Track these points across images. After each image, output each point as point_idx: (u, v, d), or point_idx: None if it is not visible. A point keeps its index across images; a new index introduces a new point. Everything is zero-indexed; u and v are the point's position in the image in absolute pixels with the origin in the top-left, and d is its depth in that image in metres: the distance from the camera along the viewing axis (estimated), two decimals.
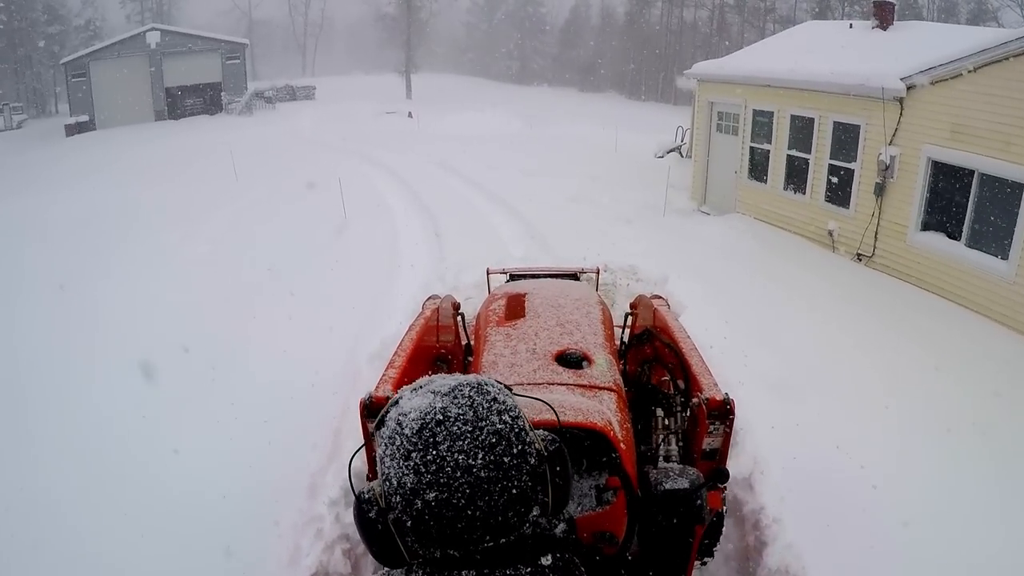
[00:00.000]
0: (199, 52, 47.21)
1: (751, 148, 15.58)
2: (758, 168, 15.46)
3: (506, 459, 1.37)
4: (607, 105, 55.86)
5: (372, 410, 3.44)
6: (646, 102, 62.69)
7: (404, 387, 1.49)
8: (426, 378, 1.50)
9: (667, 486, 2.76)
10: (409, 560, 1.45)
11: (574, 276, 6.11)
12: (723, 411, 3.45)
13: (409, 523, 1.37)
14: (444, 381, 1.46)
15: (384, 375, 3.75)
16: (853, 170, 12.97)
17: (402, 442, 1.37)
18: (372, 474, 3.67)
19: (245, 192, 19.50)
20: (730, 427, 3.49)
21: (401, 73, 63.03)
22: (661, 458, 3.54)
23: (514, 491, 1.37)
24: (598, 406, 3.10)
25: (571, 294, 4.67)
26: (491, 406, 1.41)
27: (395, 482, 1.37)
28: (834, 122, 13.28)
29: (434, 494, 1.33)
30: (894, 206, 12.17)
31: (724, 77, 16.01)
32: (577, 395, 3.29)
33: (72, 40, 64.33)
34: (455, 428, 1.36)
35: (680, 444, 3.71)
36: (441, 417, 1.37)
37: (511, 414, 1.43)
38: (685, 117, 43.53)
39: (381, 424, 1.46)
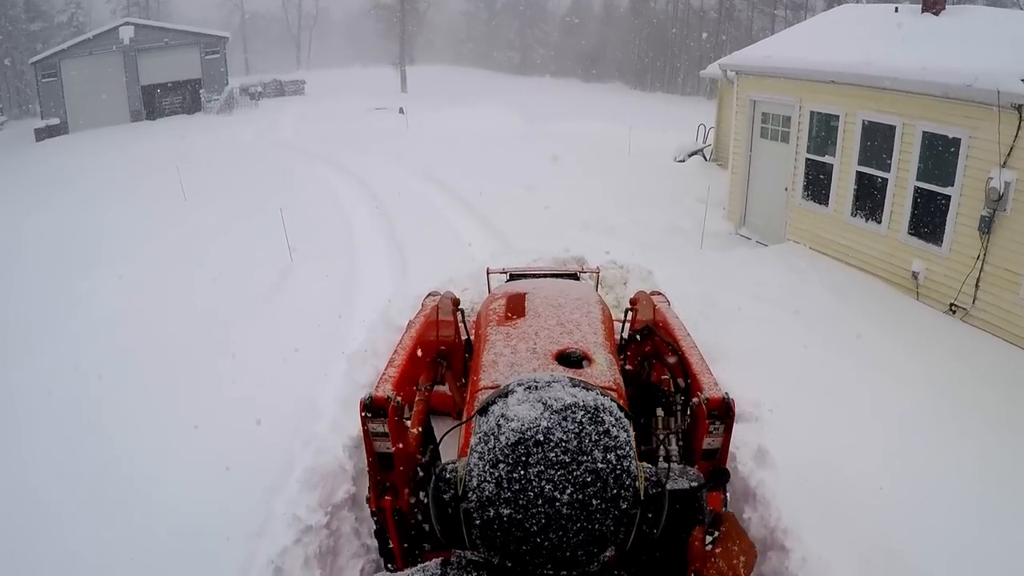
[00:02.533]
0: (176, 47, 44.22)
1: (808, 160, 12.47)
2: (817, 186, 12.37)
3: (595, 501, 1.28)
4: (613, 97, 53.03)
5: (372, 409, 3.36)
6: (653, 93, 59.71)
7: (522, 376, 1.41)
8: (546, 376, 1.41)
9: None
10: (469, 547, 1.38)
11: (574, 276, 6.11)
12: (723, 411, 3.47)
13: (478, 523, 1.32)
14: (561, 393, 1.35)
15: (384, 374, 3.72)
16: (949, 197, 9.92)
17: (495, 446, 1.30)
18: (373, 476, 3.56)
19: (191, 215, 16.51)
20: (730, 427, 3.51)
21: (396, 65, 59.92)
22: (661, 458, 3.57)
23: (593, 533, 1.28)
24: None
25: (571, 294, 4.64)
26: (600, 440, 1.30)
27: (476, 482, 1.31)
28: (923, 133, 10.19)
29: (509, 511, 1.27)
30: (1006, 247, 9.20)
31: (772, 69, 12.85)
32: None
33: (55, 37, 61.57)
34: (552, 455, 1.27)
35: (680, 444, 3.72)
36: (542, 438, 1.28)
37: (619, 452, 1.32)
38: (699, 110, 40.51)
39: (484, 412, 1.38)
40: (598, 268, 6.85)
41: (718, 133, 21.07)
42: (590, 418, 1.31)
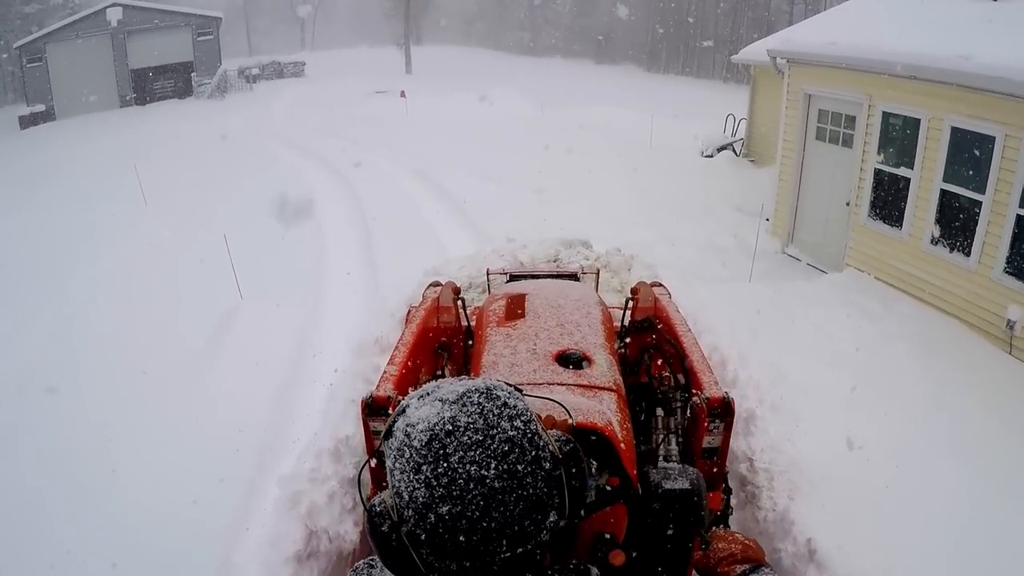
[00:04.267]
0: (167, 28, 41.84)
1: (877, 172, 10.20)
2: (888, 204, 10.12)
3: (520, 467, 1.30)
4: (626, 79, 50.29)
5: (373, 409, 3.47)
6: (667, 75, 57.07)
7: (411, 394, 1.42)
8: (433, 384, 1.42)
9: (667, 486, 2.59)
10: (426, 572, 1.35)
11: (574, 276, 5.85)
12: (724, 409, 3.48)
13: (423, 537, 1.30)
14: (452, 388, 1.37)
15: (384, 373, 3.78)
16: None
17: (411, 455, 1.30)
18: (374, 477, 3.54)
19: (148, 223, 14.49)
20: (730, 426, 3.53)
21: (400, 46, 57.36)
22: (661, 457, 3.52)
23: (531, 499, 1.31)
24: (598, 406, 3.02)
25: (571, 294, 4.50)
26: (501, 412, 1.33)
27: (407, 496, 1.30)
28: None
29: (447, 507, 1.26)
30: None
31: (835, 58, 10.48)
32: (577, 395, 3.22)
33: (52, 20, 59.42)
34: (465, 438, 1.28)
35: (680, 443, 3.68)
36: (451, 427, 1.29)
37: (523, 419, 1.35)
38: (721, 97, 38.17)
39: (389, 435, 1.38)
40: (598, 268, 6.70)
41: (750, 125, 18.76)
42: (485, 397, 1.34)
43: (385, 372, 3.80)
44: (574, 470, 1.42)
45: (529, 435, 1.33)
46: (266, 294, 9.48)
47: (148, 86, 42.01)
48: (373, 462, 2.85)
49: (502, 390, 1.38)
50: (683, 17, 58.98)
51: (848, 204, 10.74)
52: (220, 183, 17.43)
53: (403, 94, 34.91)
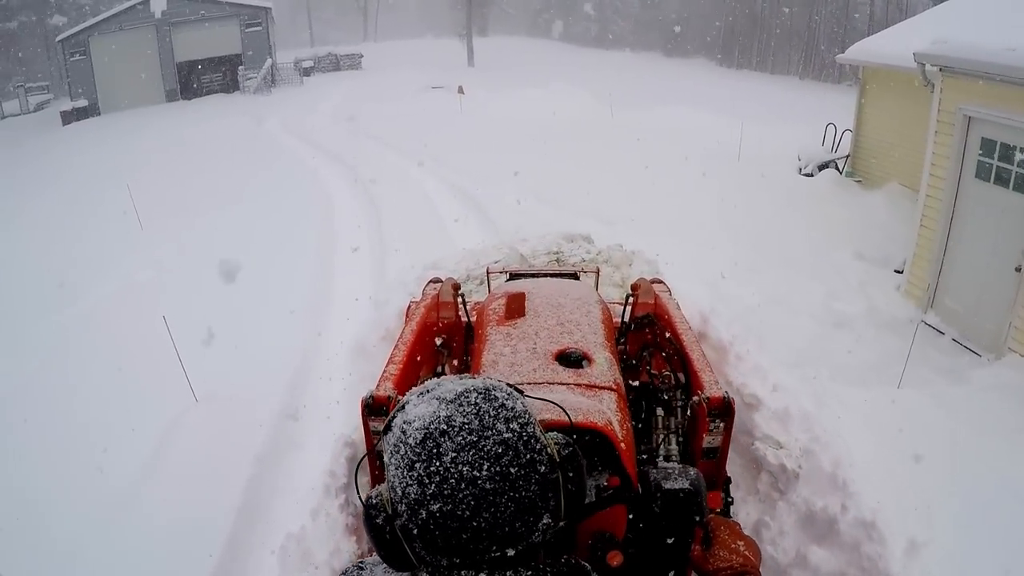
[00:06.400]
0: (214, 20, 39.79)
1: None
2: None
3: (513, 469, 1.33)
4: (698, 75, 47.05)
5: (373, 409, 3.44)
6: (741, 70, 53.61)
7: (412, 390, 1.46)
8: (434, 381, 1.45)
9: (667, 486, 2.59)
10: (418, 565, 1.40)
11: (574, 276, 5.72)
12: (724, 409, 3.44)
13: (415, 531, 1.34)
14: (451, 386, 1.41)
15: (384, 372, 3.73)
16: None
17: (406, 451, 1.34)
18: (373, 473, 3.62)
19: (137, 256, 12.05)
20: (730, 426, 3.48)
21: (462, 37, 54.81)
22: (661, 457, 3.59)
23: (523, 501, 1.33)
24: (598, 406, 3.02)
25: (571, 293, 4.47)
26: (498, 413, 1.36)
27: (400, 491, 1.34)
28: None
29: (438, 505, 1.30)
30: None
31: (1018, 70, 7.58)
32: (577, 395, 3.20)
33: (99, 11, 58.42)
34: (460, 438, 1.32)
35: (680, 442, 3.72)
36: (446, 427, 1.33)
37: (520, 421, 1.38)
38: (804, 96, 35.03)
39: (388, 430, 1.42)
40: (598, 267, 6.50)
41: (857, 138, 15.73)
42: (483, 397, 1.37)
43: (385, 371, 3.71)
44: (571, 474, 1.43)
45: (525, 438, 1.36)
46: (221, 394, 6.85)
47: (195, 80, 40.22)
48: (366, 459, 3.59)
49: (501, 391, 1.41)
50: (756, 9, 55.42)
51: (1019, 269, 7.84)
52: (229, 200, 14.94)
53: (461, 90, 32.37)
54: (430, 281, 5.44)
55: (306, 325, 8.62)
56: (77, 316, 9.95)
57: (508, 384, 1.45)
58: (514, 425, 1.35)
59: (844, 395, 6.28)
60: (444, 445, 1.29)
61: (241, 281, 9.65)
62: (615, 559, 2.21)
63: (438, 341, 4.55)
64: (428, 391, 1.40)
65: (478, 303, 5.05)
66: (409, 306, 5.32)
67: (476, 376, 1.46)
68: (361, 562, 1.54)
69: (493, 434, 1.31)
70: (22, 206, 17.35)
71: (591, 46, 66.12)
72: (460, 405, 1.34)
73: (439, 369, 4.45)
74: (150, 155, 21.97)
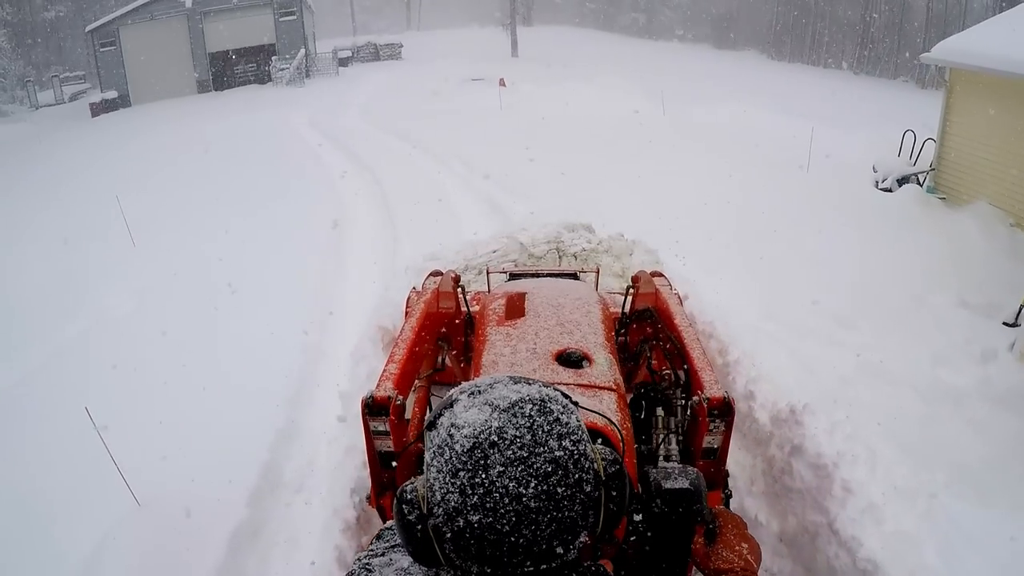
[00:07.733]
0: (247, 9, 38.61)
1: None
2: None
3: (560, 489, 1.28)
4: (749, 68, 44.87)
5: (373, 409, 3.32)
6: (793, 63, 51.29)
7: (462, 386, 1.40)
8: (487, 380, 1.39)
9: (667, 486, 2.55)
10: (445, 564, 1.35)
11: (574, 276, 5.85)
12: (724, 409, 3.38)
13: (449, 536, 1.30)
14: (505, 392, 1.34)
15: (384, 371, 3.59)
16: None
17: (451, 456, 1.29)
18: (374, 477, 3.50)
19: (119, 280, 10.48)
20: (730, 425, 3.44)
21: (506, 27, 53.00)
22: (661, 457, 3.51)
23: (564, 521, 1.29)
24: (598, 406, 3.04)
25: (571, 293, 4.49)
26: (552, 428, 1.31)
27: (440, 496, 1.29)
28: None
29: (478, 517, 1.26)
30: None
31: None
32: (577, 394, 3.12)
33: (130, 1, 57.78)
34: (510, 452, 1.26)
35: (680, 442, 3.63)
36: (496, 438, 1.27)
37: (573, 438, 1.32)
38: (866, 94, 32.81)
39: (432, 426, 1.36)
40: (597, 267, 6.49)
41: (942, 149, 13.71)
42: (538, 410, 1.31)
43: (385, 370, 3.59)
44: (614, 492, 1.38)
45: (576, 456, 1.31)
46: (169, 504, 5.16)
47: (228, 70, 39.10)
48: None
49: (557, 403, 1.35)
50: (810, 1, 52.89)
51: None
52: (234, 212, 13.29)
53: (502, 82, 30.66)
54: (430, 274, 5.42)
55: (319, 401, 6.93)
56: (61, 343, 8.46)
57: (564, 395, 1.40)
58: (566, 443, 1.30)
59: (972, 526, 4.53)
60: (492, 457, 1.25)
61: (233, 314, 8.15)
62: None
63: (439, 336, 4.47)
64: (480, 392, 1.34)
65: (478, 293, 5.11)
66: (409, 297, 5.40)
67: (533, 382, 1.39)
68: (368, 564, 1.49)
69: (545, 451, 1.27)
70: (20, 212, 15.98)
71: (638, 36, 64.22)
72: (514, 416, 1.29)
73: (439, 362, 4.47)
74: (158, 154, 20.57)
